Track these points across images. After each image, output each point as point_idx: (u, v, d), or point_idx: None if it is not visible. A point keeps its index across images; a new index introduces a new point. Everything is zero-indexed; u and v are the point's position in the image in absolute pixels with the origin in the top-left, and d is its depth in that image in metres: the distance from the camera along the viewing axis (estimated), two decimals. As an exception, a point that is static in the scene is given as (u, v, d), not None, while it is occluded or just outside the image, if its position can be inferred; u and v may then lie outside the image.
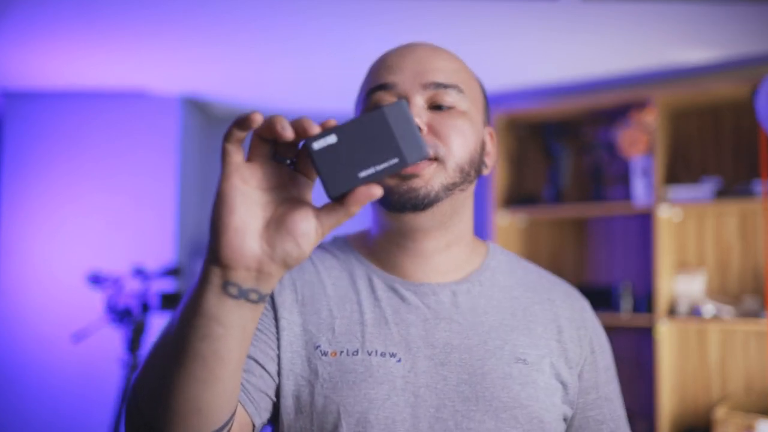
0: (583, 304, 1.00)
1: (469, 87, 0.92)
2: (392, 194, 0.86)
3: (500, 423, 0.85)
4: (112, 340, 3.24)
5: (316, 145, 0.59)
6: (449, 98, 0.88)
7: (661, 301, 2.86)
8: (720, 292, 3.02)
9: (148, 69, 3.36)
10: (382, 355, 0.86)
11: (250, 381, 0.83)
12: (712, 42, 2.87)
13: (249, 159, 0.62)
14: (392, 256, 0.93)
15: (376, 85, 0.89)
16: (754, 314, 2.76)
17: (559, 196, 3.32)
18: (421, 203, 0.85)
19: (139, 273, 2.88)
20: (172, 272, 2.96)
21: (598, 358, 0.97)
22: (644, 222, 3.21)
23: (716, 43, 2.87)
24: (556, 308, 0.96)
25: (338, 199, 0.61)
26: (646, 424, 3.00)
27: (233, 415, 0.71)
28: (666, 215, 2.92)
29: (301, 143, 0.62)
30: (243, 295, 0.62)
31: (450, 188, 0.87)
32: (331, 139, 0.60)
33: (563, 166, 3.34)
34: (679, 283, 2.98)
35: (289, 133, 0.59)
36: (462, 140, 0.87)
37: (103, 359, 3.31)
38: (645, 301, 2.99)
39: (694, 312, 2.85)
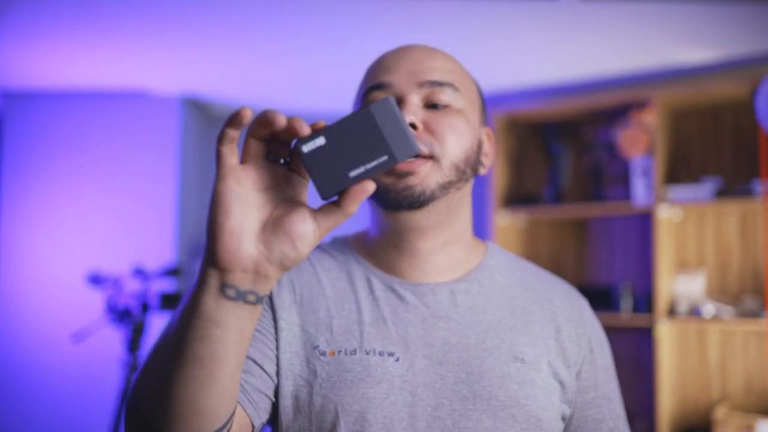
0: (582, 304, 1.00)
1: (465, 86, 0.93)
2: (388, 192, 0.86)
3: (498, 422, 0.85)
4: (112, 340, 3.24)
5: (306, 148, 0.60)
6: (445, 97, 0.89)
7: (661, 301, 2.86)
8: (720, 292, 3.02)
9: (148, 69, 3.36)
10: (380, 354, 0.86)
11: (249, 382, 0.83)
12: (712, 42, 2.87)
13: (243, 160, 0.63)
14: (390, 257, 0.93)
15: (372, 85, 0.90)
16: (754, 314, 2.77)
17: (559, 196, 3.32)
18: (417, 201, 0.85)
19: (139, 273, 2.88)
20: (172, 272, 2.96)
21: (597, 358, 0.97)
22: (644, 222, 3.21)
23: (716, 43, 2.87)
24: (554, 307, 0.96)
25: (332, 199, 0.62)
26: (645, 424, 3.00)
27: (232, 415, 0.71)
28: (666, 215, 2.92)
29: (294, 142, 0.62)
30: (240, 297, 0.62)
31: (446, 186, 0.87)
32: (320, 140, 0.60)
33: (563, 166, 3.34)
34: (679, 283, 2.98)
35: (281, 121, 0.59)
36: (457, 138, 0.88)
37: (103, 359, 3.31)
38: (645, 301, 2.99)
39: (694, 312, 2.85)
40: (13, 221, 3.71)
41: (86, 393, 3.55)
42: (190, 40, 2.95)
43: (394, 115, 0.61)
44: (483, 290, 0.94)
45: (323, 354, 0.87)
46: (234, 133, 0.61)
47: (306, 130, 0.60)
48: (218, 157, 0.61)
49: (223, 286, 0.61)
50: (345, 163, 0.60)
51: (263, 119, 0.60)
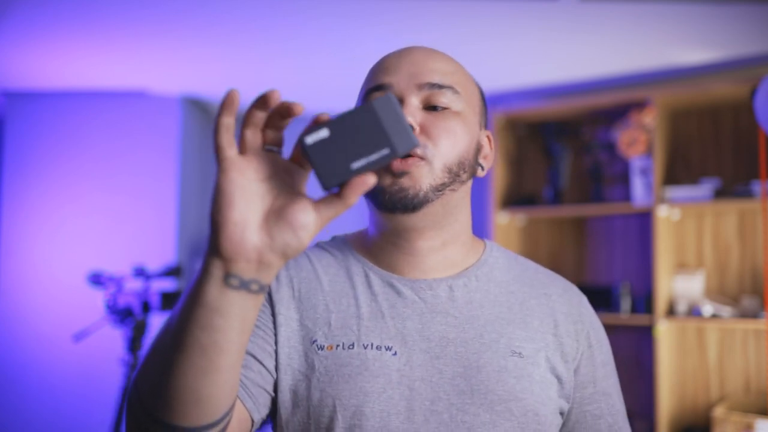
0: (581, 299, 1.01)
1: (465, 89, 0.93)
2: (384, 194, 0.88)
3: (495, 416, 0.86)
4: (112, 339, 3.25)
5: (309, 140, 0.61)
6: (444, 99, 0.89)
7: (661, 301, 2.86)
8: (719, 292, 3.02)
9: (148, 69, 3.37)
10: (378, 348, 0.87)
11: (248, 376, 0.84)
12: (711, 42, 2.87)
13: (241, 151, 0.64)
14: (389, 255, 0.94)
15: (373, 86, 0.92)
16: (753, 314, 2.77)
17: (559, 196, 3.32)
18: (411, 203, 0.87)
19: (140, 273, 2.88)
20: (173, 272, 2.96)
21: (596, 353, 0.97)
22: (643, 222, 3.21)
23: (716, 43, 2.88)
24: (552, 303, 0.97)
25: (333, 190, 0.63)
26: (645, 423, 3.00)
27: (232, 408, 0.72)
28: (665, 215, 2.92)
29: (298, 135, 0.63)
30: (244, 286, 0.63)
31: (439, 189, 0.88)
32: (324, 133, 0.62)
33: (563, 166, 3.35)
34: (678, 283, 2.99)
35: (277, 95, 0.61)
36: (452, 141, 0.89)
37: (104, 359, 3.32)
38: (644, 301, 3.00)
39: (693, 312, 2.85)
40: (13, 221, 3.72)
41: (87, 393, 3.55)
42: (190, 40, 2.95)
43: (394, 111, 0.63)
44: (481, 285, 0.95)
45: (321, 348, 0.88)
46: (229, 121, 0.62)
47: (299, 110, 0.62)
48: (217, 149, 0.62)
49: (227, 276, 0.63)
50: (347, 156, 0.62)
51: (258, 101, 0.62)
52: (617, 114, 3.20)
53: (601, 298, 3.09)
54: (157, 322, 3.08)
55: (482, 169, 0.97)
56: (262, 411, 0.86)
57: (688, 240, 3.11)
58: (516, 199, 3.41)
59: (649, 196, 2.95)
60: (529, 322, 0.93)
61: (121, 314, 2.80)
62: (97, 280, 2.85)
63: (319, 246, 1.00)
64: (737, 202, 2.79)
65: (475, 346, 0.89)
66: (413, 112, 0.88)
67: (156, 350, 0.69)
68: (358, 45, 2.97)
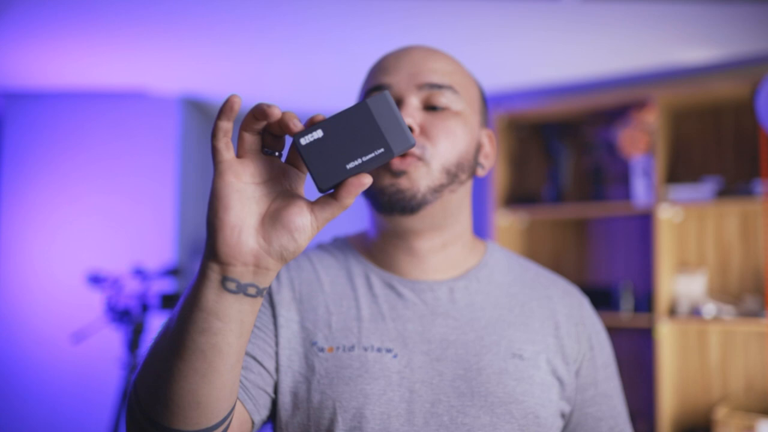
0: (582, 301, 1.00)
1: (465, 89, 0.93)
2: (382, 196, 0.87)
3: (495, 418, 0.85)
4: (111, 340, 3.24)
5: (304, 141, 0.61)
6: (443, 99, 0.89)
7: (662, 302, 2.85)
8: (720, 292, 3.02)
9: (147, 69, 3.36)
10: (378, 350, 0.87)
11: (248, 378, 0.84)
12: (712, 42, 2.87)
13: (239, 154, 0.63)
14: (389, 256, 0.94)
15: (373, 86, 0.91)
16: (755, 314, 2.76)
17: (560, 196, 3.32)
18: (409, 205, 0.87)
19: (139, 273, 2.87)
20: (172, 272, 2.96)
21: (597, 355, 0.97)
22: (644, 222, 3.20)
23: (716, 43, 2.87)
24: (553, 305, 0.96)
25: (329, 191, 0.62)
26: (646, 424, 3.00)
27: (232, 410, 0.72)
28: (666, 215, 2.91)
29: (293, 136, 0.63)
30: (241, 289, 0.63)
31: (437, 190, 0.88)
32: (318, 133, 0.61)
33: (563, 166, 3.34)
34: (680, 283, 2.98)
35: (276, 112, 0.60)
36: (451, 141, 0.88)
37: (103, 359, 3.31)
38: (645, 301, 2.99)
39: (695, 312, 2.84)
40: (13, 221, 3.71)
41: (86, 393, 3.55)
42: (190, 40, 2.95)
43: (390, 109, 0.62)
44: (482, 287, 0.94)
45: (321, 350, 0.87)
46: (227, 125, 0.62)
47: (298, 126, 0.61)
48: (214, 152, 0.62)
49: (224, 280, 0.62)
50: (342, 156, 0.61)
51: (257, 111, 0.60)
52: (618, 114, 3.19)
53: (602, 299, 3.08)
54: (156, 322, 3.07)
55: (483, 168, 0.96)
56: (262, 412, 0.85)
57: (689, 240, 3.10)
58: (517, 198, 3.41)
59: (651, 196, 2.95)
60: (530, 324, 0.93)
61: (120, 314, 2.79)
62: (96, 280, 2.85)
63: (320, 247, 1.00)
64: (739, 202, 2.78)
65: (476, 348, 0.89)
66: (413, 113, 0.87)
67: (155, 354, 0.68)
68: (358, 45, 2.96)
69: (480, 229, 3.42)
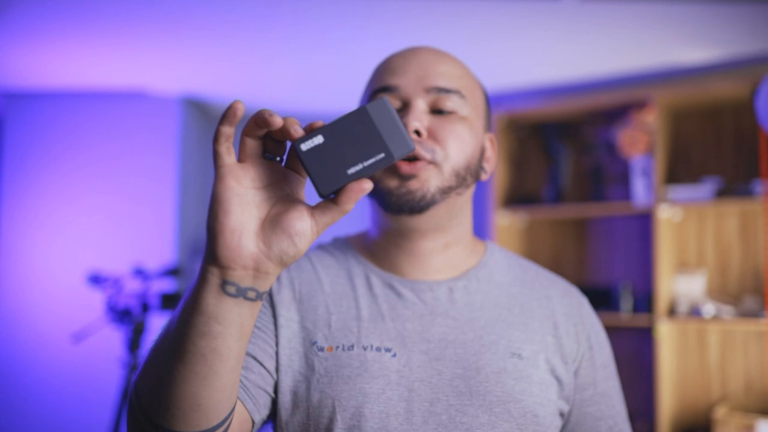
0: (581, 301, 1.01)
1: (471, 93, 0.93)
2: (390, 196, 0.87)
3: (494, 417, 0.85)
4: (112, 340, 3.25)
5: (304, 147, 0.61)
6: (450, 103, 0.89)
7: (661, 301, 2.86)
8: (720, 292, 3.02)
9: (148, 69, 3.37)
10: (377, 349, 0.87)
11: (248, 378, 0.84)
12: (712, 42, 2.87)
13: (240, 159, 0.63)
14: (390, 256, 0.94)
15: (379, 87, 0.91)
16: (754, 314, 2.77)
17: (560, 196, 3.32)
18: (417, 205, 0.87)
19: (139, 273, 2.88)
20: (172, 272, 2.96)
21: (596, 355, 0.97)
22: (644, 222, 3.21)
23: (716, 43, 2.87)
24: (552, 304, 0.97)
25: (329, 197, 0.62)
26: (645, 423, 3.00)
27: (232, 411, 0.72)
28: (666, 215, 2.92)
29: (289, 142, 0.63)
30: (241, 293, 0.63)
31: (446, 191, 0.88)
32: (318, 139, 0.61)
33: (563, 166, 3.34)
34: (679, 283, 2.98)
35: (277, 121, 0.60)
36: (459, 145, 0.89)
37: (103, 359, 3.32)
38: (645, 301, 2.99)
39: (694, 312, 2.85)
40: (13, 221, 3.71)
41: (86, 393, 3.55)
42: (190, 40, 2.95)
43: (389, 115, 0.62)
44: (481, 287, 0.94)
45: (321, 350, 0.88)
46: (229, 131, 0.62)
47: (300, 132, 0.61)
48: (216, 156, 0.62)
49: (224, 283, 0.62)
50: (343, 161, 0.61)
51: (259, 119, 0.61)
52: (618, 114, 3.19)
53: (601, 299, 3.08)
54: (156, 322, 3.08)
55: (485, 172, 0.97)
56: (262, 412, 0.86)
57: (689, 240, 3.10)
58: (517, 198, 3.41)
59: (650, 196, 2.95)
60: (529, 323, 0.93)
61: (120, 314, 2.79)
62: (96, 280, 2.85)
63: (320, 247, 1.00)
64: (738, 202, 2.78)
65: (475, 348, 0.89)
66: (420, 117, 0.87)
67: (155, 356, 0.69)
68: (358, 45, 2.96)
69: (480, 228, 3.43)
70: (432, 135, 0.88)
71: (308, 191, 0.64)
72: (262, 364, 0.86)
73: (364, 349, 0.87)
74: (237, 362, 0.67)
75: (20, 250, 3.70)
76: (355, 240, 1.00)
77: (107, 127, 3.75)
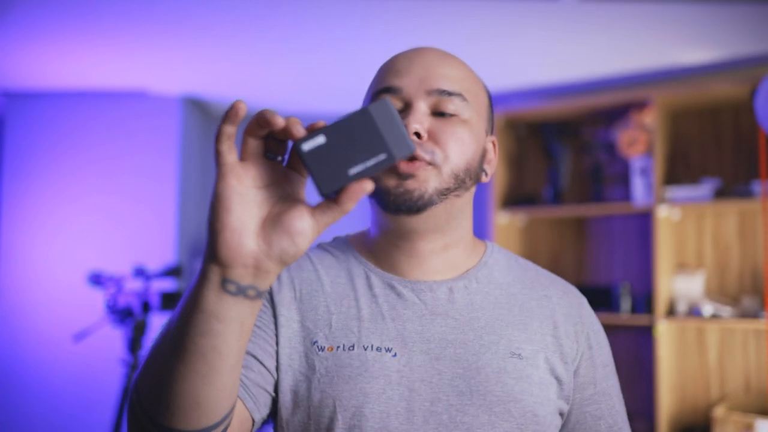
0: (581, 301, 1.01)
1: (474, 95, 0.93)
2: (389, 195, 0.87)
3: (494, 417, 0.86)
4: (112, 339, 3.25)
5: (306, 147, 0.61)
6: (452, 106, 0.89)
7: (661, 301, 2.86)
8: (719, 292, 3.02)
9: (148, 69, 3.37)
10: (378, 349, 0.88)
11: (248, 377, 0.85)
12: (711, 42, 2.87)
13: (242, 158, 0.64)
14: (390, 256, 0.94)
15: (382, 88, 0.91)
16: (753, 314, 2.77)
17: (559, 196, 3.32)
18: (415, 206, 0.87)
19: (140, 273, 2.88)
20: (173, 272, 2.96)
21: (596, 354, 0.97)
22: (644, 222, 3.21)
23: (716, 43, 2.88)
24: (552, 304, 0.97)
25: (330, 196, 0.63)
26: (645, 423, 3.01)
27: (232, 410, 0.72)
28: (665, 215, 2.92)
29: (293, 141, 0.63)
30: (241, 292, 0.63)
31: (444, 193, 0.88)
32: (320, 139, 0.61)
33: (563, 166, 3.35)
34: (679, 283, 2.99)
35: (279, 121, 0.60)
36: (460, 148, 0.89)
37: (104, 359, 3.32)
38: (644, 301, 3.00)
39: (693, 312, 2.85)
40: (13, 221, 3.72)
41: (87, 393, 3.56)
42: (190, 40, 2.96)
43: (391, 116, 0.63)
44: (481, 287, 0.95)
45: (322, 349, 0.88)
46: (231, 130, 0.62)
47: (302, 132, 0.61)
48: (217, 155, 0.62)
49: (225, 282, 0.63)
50: (344, 162, 0.61)
51: (261, 119, 0.61)
52: (617, 114, 3.20)
53: (601, 298, 3.09)
54: (157, 322, 3.08)
55: (486, 174, 0.97)
56: (262, 411, 0.86)
57: (688, 240, 3.11)
58: (516, 199, 3.41)
59: (650, 196, 2.95)
60: (529, 323, 0.94)
61: (121, 314, 2.80)
62: (97, 280, 2.86)
63: (320, 247, 1.00)
64: (737, 202, 2.79)
65: (475, 348, 0.89)
66: (421, 119, 0.87)
67: (155, 355, 0.69)
68: (358, 45, 2.97)
69: (479, 228, 3.43)
70: (432, 137, 0.88)
71: (309, 191, 0.65)
72: (262, 363, 0.86)
73: (365, 349, 0.87)
74: (237, 361, 0.67)
75: (21, 250, 3.70)
76: (355, 239, 1.00)
77: (108, 126, 3.76)
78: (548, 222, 3.48)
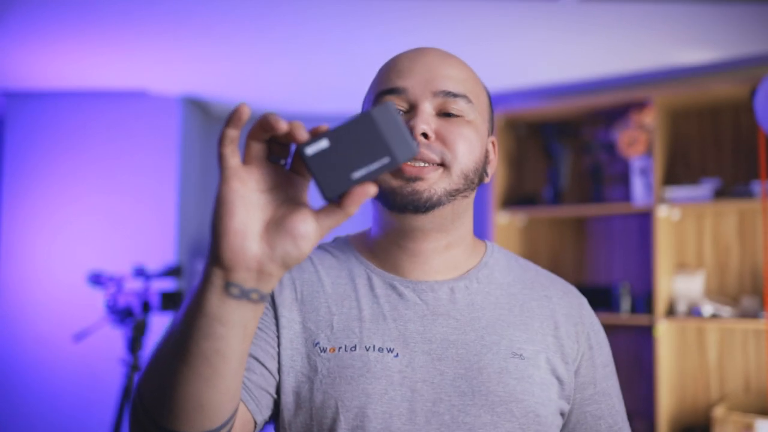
0: (581, 301, 1.01)
1: (477, 96, 0.94)
2: (395, 195, 0.87)
3: (496, 417, 0.86)
4: (112, 340, 3.25)
5: (309, 151, 0.61)
6: (457, 107, 0.90)
7: (660, 301, 2.86)
8: (719, 292, 3.03)
9: (148, 69, 3.37)
10: (380, 350, 0.88)
11: (251, 379, 0.85)
12: (711, 42, 2.87)
13: (245, 162, 0.64)
14: (391, 256, 0.94)
15: (386, 89, 0.91)
16: (753, 314, 2.77)
17: (559, 196, 3.33)
18: (423, 206, 0.87)
19: (140, 273, 2.88)
20: (173, 272, 2.96)
21: (596, 354, 0.98)
22: (643, 222, 3.21)
23: (716, 43, 2.88)
24: (553, 305, 0.97)
25: (334, 200, 0.63)
26: (645, 423, 3.01)
27: (234, 412, 0.72)
28: (665, 215, 2.92)
29: (296, 145, 0.63)
30: (244, 295, 0.63)
31: (453, 194, 0.88)
32: (323, 143, 0.61)
33: (563, 166, 3.35)
34: (678, 283, 2.99)
35: (282, 126, 0.61)
36: (468, 148, 0.89)
37: (104, 359, 3.32)
38: (644, 301, 3.00)
39: (693, 312, 2.85)
40: (13, 221, 3.72)
41: (87, 393, 3.56)
42: (190, 40, 2.96)
43: (394, 120, 0.63)
44: (482, 288, 0.95)
45: (324, 351, 0.88)
46: (234, 133, 0.62)
47: (305, 136, 0.61)
48: (221, 159, 0.62)
49: (228, 285, 0.63)
50: (347, 165, 0.62)
51: (264, 123, 0.61)
52: (617, 114, 3.20)
53: (600, 298, 3.09)
54: (157, 322, 3.08)
55: (487, 175, 0.97)
56: (264, 413, 0.86)
57: (688, 240, 3.11)
58: (516, 199, 3.42)
59: (649, 196, 2.96)
60: (530, 323, 0.94)
61: (121, 314, 2.80)
62: (97, 280, 2.86)
63: (321, 248, 1.00)
64: (737, 202, 2.79)
65: (476, 348, 0.89)
66: (427, 120, 0.88)
67: (158, 357, 0.69)
68: (358, 45, 2.97)
69: (479, 228, 3.43)
70: (440, 138, 0.88)
71: (312, 193, 0.65)
72: (263, 365, 0.87)
73: (367, 349, 0.88)
74: (240, 364, 0.68)
75: (21, 250, 3.70)
76: (356, 240, 1.00)
77: (108, 127, 3.76)
78: (548, 222, 3.48)
